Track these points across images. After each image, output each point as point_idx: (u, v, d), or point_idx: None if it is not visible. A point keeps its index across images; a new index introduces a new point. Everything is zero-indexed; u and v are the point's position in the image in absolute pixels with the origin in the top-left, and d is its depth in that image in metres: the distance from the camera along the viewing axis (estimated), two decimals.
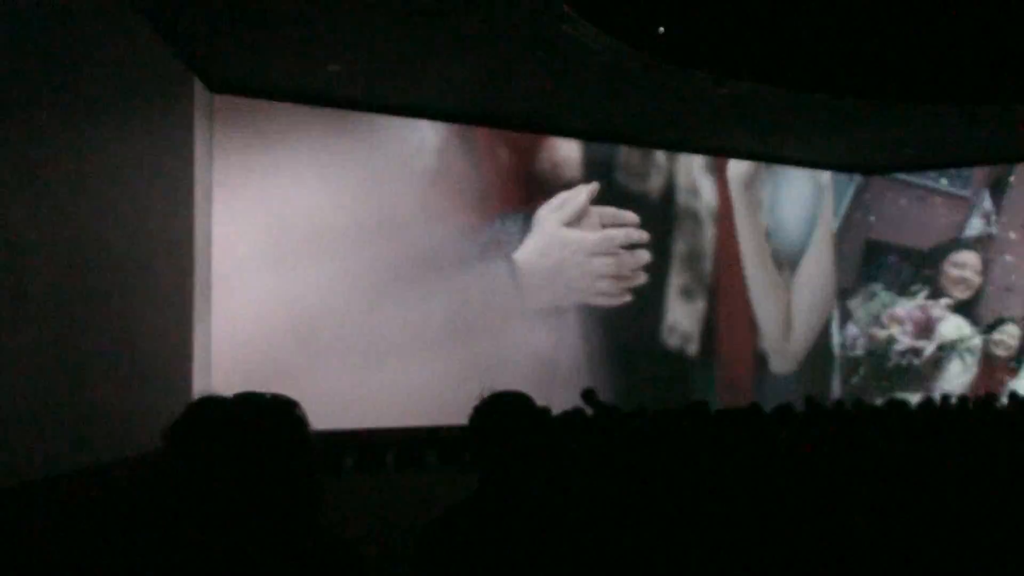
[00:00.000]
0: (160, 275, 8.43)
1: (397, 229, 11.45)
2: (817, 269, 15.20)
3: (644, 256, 13.26)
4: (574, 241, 12.56)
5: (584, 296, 12.71)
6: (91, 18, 6.83)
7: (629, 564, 1.90)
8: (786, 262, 14.86)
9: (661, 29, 8.96)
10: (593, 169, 13.01)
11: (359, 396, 10.90)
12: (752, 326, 14.46)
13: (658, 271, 13.53)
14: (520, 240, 12.21)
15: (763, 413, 6.53)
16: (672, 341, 13.53)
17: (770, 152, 14.53)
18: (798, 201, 15.18)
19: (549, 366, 12.15)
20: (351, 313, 11.08)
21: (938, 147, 14.08)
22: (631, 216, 13.19)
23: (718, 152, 14.23)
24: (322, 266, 10.92)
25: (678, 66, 9.87)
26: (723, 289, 14.15)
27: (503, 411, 2.08)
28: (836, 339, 15.57)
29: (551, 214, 12.46)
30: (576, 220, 12.61)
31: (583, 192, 12.74)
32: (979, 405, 9.21)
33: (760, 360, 14.49)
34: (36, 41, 5.86)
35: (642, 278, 13.27)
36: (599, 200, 13.01)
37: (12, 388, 5.38)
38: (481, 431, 2.08)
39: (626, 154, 13.44)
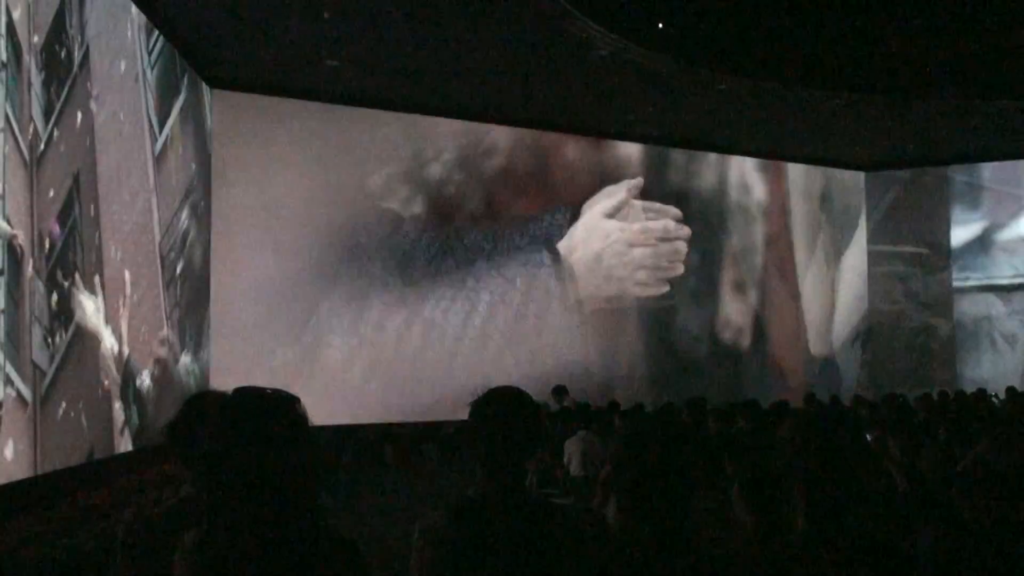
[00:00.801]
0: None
1: (408, 226, 11.59)
2: (856, 266, 15.43)
3: (682, 248, 13.56)
4: (614, 232, 12.94)
5: (623, 285, 13.08)
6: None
7: (629, 558, 1.90)
8: (832, 259, 15.17)
9: (660, 25, 8.96)
10: (648, 167, 13.29)
11: (377, 392, 11.13)
12: (800, 319, 14.68)
13: (712, 267, 13.91)
14: (567, 233, 12.65)
15: (760, 408, 6.55)
16: (726, 335, 13.79)
17: (809, 153, 14.72)
18: (842, 199, 15.43)
19: (610, 363, 12.53)
20: (349, 304, 11.12)
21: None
22: (673, 210, 13.49)
23: (761, 155, 14.47)
24: (319, 259, 10.93)
25: (695, 66, 9.94)
26: (772, 283, 14.35)
27: (500, 406, 2.08)
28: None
29: (593, 206, 12.85)
30: (616, 212, 12.96)
31: (624, 186, 13.09)
32: (975, 399, 9.23)
33: (809, 351, 14.71)
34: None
35: (679, 270, 13.57)
36: (651, 196, 13.39)
37: None
38: (480, 426, 2.08)
39: (679, 152, 13.67)
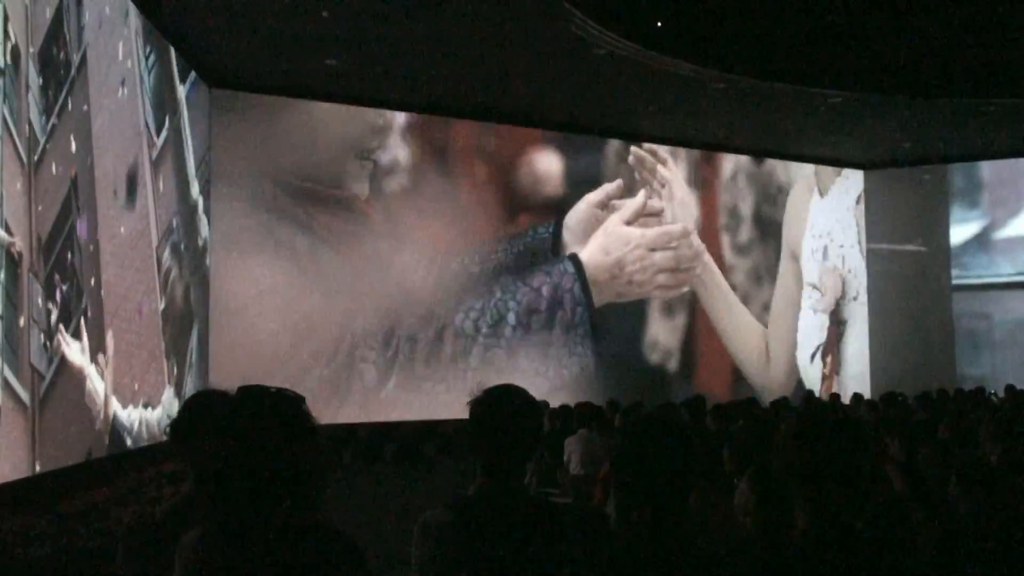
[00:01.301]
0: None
1: (406, 229, 11.62)
2: (788, 285, 14.89)
3: (701, 248, 13.58)
4: (635, 237, 12.93)
5: (644, 289, 13.11)
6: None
7: (628, 556, 1.91)
8: (768, 276, 14.72)
9: (659, 24, 8.97)
10: (574, 180, 13.02)
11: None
12: (729, 344, 14.25)
13: None
14: (551, 246, 12.54)
15: (760, 406, 6.56)
16: (654, 357, 13.48)
17: (809, 153, 14.64)
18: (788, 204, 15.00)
19: (538, 381, 12.23)
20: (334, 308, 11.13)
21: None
22: (656, 204, 13.40)
23: (760, 154, 14.42)
24: (316, 262, 10.94)
25: (690, 62, 9.95)
26: (702, 305, 14.00)
27: (500, 405, 2.09)
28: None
29: (613, 213, 12.82)
30: (635, 218, 12.95)
31: (640, 194, 13.10)
32: (974, 397, 9.23)
33: (738, 376, 14.18)
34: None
35: (699, 268, 13.56)
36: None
37: None
38: (479, 425, 2.08)
39: (616, 160, 13.43)
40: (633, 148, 13.23)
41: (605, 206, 12.92)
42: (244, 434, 1.59)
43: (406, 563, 2.06)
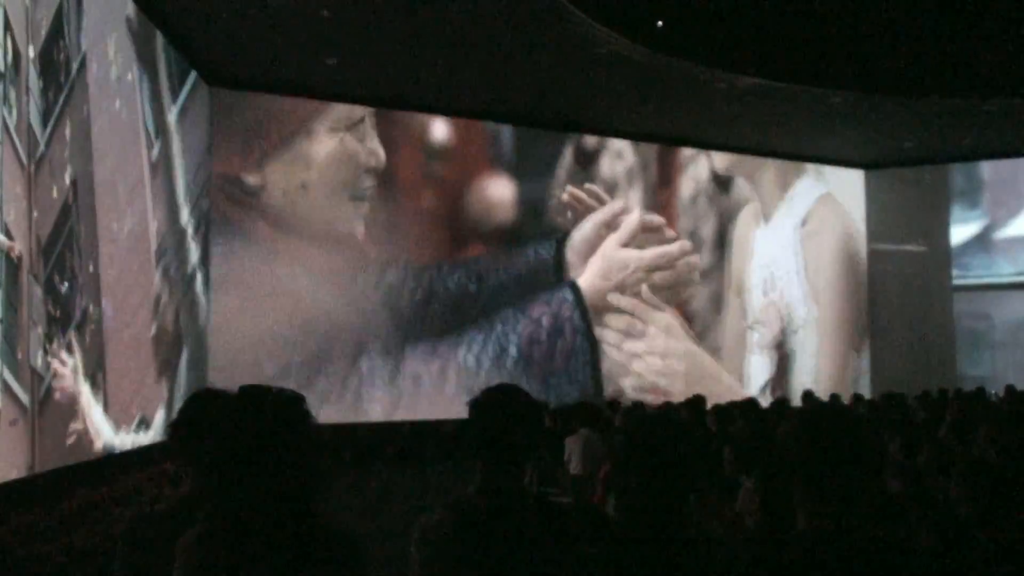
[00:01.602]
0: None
1: (405, 234, 11.64)
2: (736, 320, 14.54)
3: (696, 263, 13.62)
4: (633, 260, 12.96)
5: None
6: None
7: (628, 555, 1.91)
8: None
9: (660, 23, 8.98)
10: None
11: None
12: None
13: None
14: (554, 266, 12.52)
15: (759, 407, 6.56)
16: (609, 391, 13.04)
17: (809, 152, 14.62)
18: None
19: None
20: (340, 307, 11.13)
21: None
22: (658, 219, 13.42)
23: (760, 153, 14.40)
24: (318, 264, 10.94)
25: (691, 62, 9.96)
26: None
27: (499, 404, 2.09)
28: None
29: (610, 237, 12.83)
30: (632, 240, 12.96)
31: (635, 213, 13.11)
32: (974, 397, 9.23)
33: None
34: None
35: (696, 280, 13.64)
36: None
37: None
38: (479, 424, 2.08)
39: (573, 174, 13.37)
40: (570, 187, 12.93)
41: (610, 226, 12.90)
42: (244, 433, 1.59)
43: (406, 563, 2.06)
